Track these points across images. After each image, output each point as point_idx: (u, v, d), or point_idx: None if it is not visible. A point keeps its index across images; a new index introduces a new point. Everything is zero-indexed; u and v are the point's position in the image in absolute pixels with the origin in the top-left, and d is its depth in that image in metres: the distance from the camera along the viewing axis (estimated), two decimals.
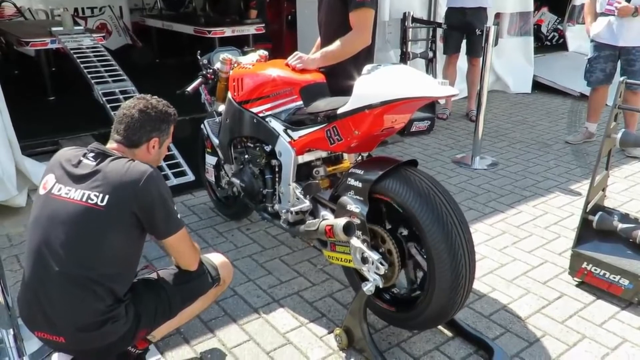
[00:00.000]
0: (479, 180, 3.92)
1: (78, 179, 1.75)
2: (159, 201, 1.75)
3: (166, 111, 1.92)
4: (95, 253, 1.70)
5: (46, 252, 1.70)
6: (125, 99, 4.11)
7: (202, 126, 3.15)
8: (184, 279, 1.94)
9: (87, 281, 1.69)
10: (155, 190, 1.75)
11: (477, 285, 2.56)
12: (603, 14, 4.25)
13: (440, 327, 2.24)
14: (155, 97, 1.95)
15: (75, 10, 8.24)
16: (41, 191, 1.80)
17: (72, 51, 4.80)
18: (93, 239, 1.70)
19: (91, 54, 4.79)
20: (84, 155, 1.80)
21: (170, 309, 1.90)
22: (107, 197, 1.70)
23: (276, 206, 2.55)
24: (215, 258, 2.13)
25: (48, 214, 1.74)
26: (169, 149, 3.83)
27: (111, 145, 1.86)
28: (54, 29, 5.39)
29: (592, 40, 4.42)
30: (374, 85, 1.95)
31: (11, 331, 1.91)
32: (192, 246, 1.93)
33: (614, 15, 4.14)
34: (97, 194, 1.70)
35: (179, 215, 1.84)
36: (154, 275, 1.94)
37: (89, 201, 1.70)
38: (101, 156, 1.78)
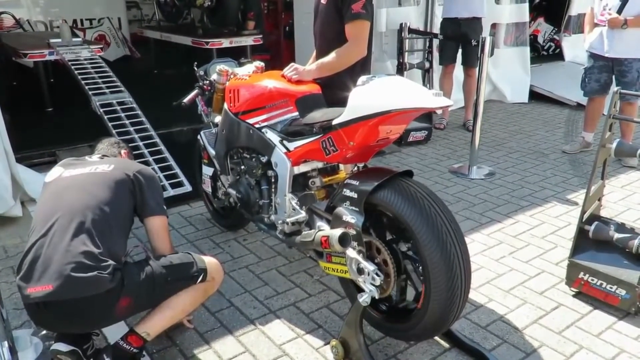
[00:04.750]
0: (476, 190, 3.92)
1: (86, 165, 2.18)
2: (154, 182, 2.21)
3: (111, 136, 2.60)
4: (98, 198, 2.01)
5: (58, 211, 1.95)
6: (123, 110, 4.22)
7: (198, 137, 3.16)
8: (170, 259, 2.09)
9: (89, 221, 1.93)
10: (153, 176, 2.23)
11: (473, 295, 2.55)
12: (597, 25, 4.29)
13: (436, 338, 2.24)
14: None
15: (74, 21, 8.27)
16: (47, 179, 2.14)
17: (69, 63, 4.80)
18: (98, 188, 2.05)
19: (89, 66, 4.79)
20: (87, 156, 2.28)
21: (155, 283, 1.99)
22: (113, 165, 2.17)
23: (272, 217, 2.55)
24: (205, 257, 2.21)
25: (59, 190, 2.06)
26: (166, 160, 3.88)
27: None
28: (52, 40, 5.39)
29: (587, 51, 4.45)
30: (369, 96, 1.95)
31: (5, 343, 1.90)
32: (169, 237, 2.24)
33: (605, 26, 4.18)
34: (105, 164, 2.17)
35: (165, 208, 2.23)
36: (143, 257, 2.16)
37: (97, 169, 2.13)
38: (104, 156, 2.32)
